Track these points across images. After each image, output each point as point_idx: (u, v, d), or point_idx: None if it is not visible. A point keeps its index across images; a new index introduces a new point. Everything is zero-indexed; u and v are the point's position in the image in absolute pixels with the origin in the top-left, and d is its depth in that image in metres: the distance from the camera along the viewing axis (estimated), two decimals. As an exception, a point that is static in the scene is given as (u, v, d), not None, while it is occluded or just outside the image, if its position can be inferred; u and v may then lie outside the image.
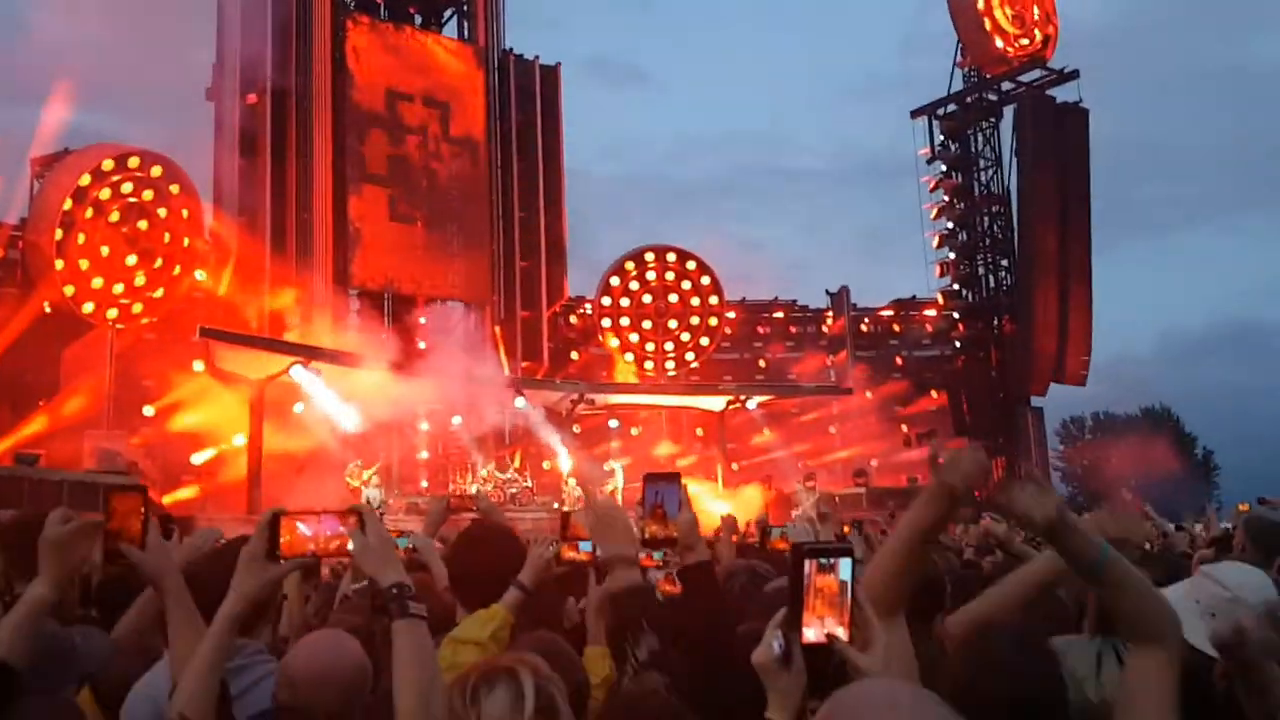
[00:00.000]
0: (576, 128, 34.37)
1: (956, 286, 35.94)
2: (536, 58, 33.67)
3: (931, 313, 36.12)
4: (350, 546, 2.24)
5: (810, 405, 32.06)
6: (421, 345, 28.72)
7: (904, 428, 31.70)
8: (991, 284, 36.49)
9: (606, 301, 33.47)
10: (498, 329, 31.35)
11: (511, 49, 33.29)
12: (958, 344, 35.91)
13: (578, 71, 41.03)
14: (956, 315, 35.79)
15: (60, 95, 24.48)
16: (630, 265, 33.80)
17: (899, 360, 35.18)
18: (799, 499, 23.03)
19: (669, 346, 33.54)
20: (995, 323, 36.24)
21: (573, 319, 34.06)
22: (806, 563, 1.73)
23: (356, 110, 29.74)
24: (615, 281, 33.65)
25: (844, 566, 1.74)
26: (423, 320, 29.97)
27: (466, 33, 32.83)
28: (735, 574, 4.21)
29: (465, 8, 32.93)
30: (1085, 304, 35.85)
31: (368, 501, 21.44)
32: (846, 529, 9.14)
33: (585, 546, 3.54)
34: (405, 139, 30.82)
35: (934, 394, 34.35)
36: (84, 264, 23.01)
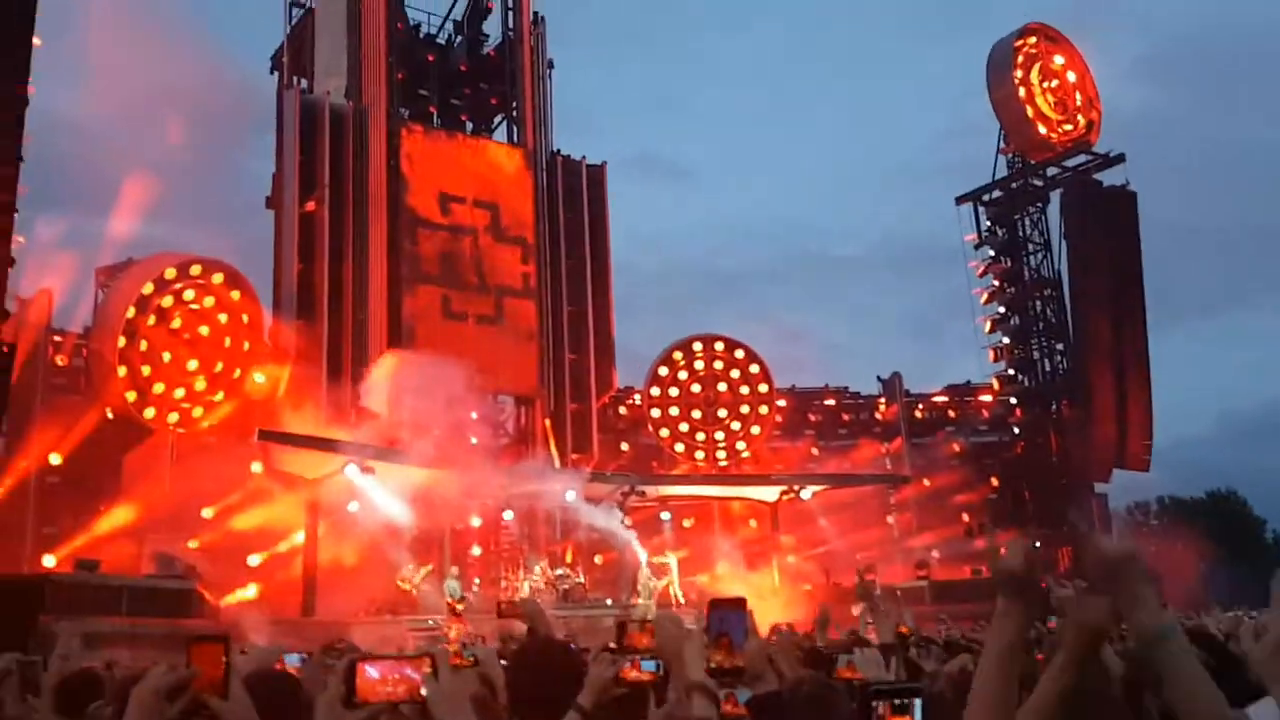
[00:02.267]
0: (622, 222, 34.92)
1: (1011, 371, 35.52)
2: (583, 158, 34.45)
3: (987, 398, 35.65)
4: (424, 692, 2.22)
5: (866, 495, 31.53)
6: (473, 440, 28.88)
7: (965, 517, 31.03)
8: (1047, 368, 36.00)
9: (655, 392, 33.51)
10: (548, 422, 31.48)
11: (559, 150, 34.11)
12: (1016, 430, 35.32)
13: (622, 169, 41.94)
14: (1013, 400, 35.29)
15: (126, 207, 25.43)
16: (678, 355, 33.89)
17: (956, 447, 34.62)
18: (859, 593, 22.46)
19: (719, 436, 33.37)
20: (1053, 408, 35.65)
21: (622, 410, 34.10)
22: (878, 704, 1.67)
23: (410, 213, 30.53)
24: (664, 371, 33.72)
25: (917, 708, 1.69)
26: (474, 415, 30.15)
27: (516, 136, 33.73)
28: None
29: (514, 113, 33.88)
30: (1144, 387, 35.20)
31: (449, 594, 21.34)
32: (904, 628, 8.80)
33: (648, 666, 3.41)
34: (457, 239, 31.50)
35: (994, 481, 33.69)
36: (146, 370, 23.59)
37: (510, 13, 33.86)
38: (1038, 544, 30.94)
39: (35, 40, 20.74)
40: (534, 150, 33.20)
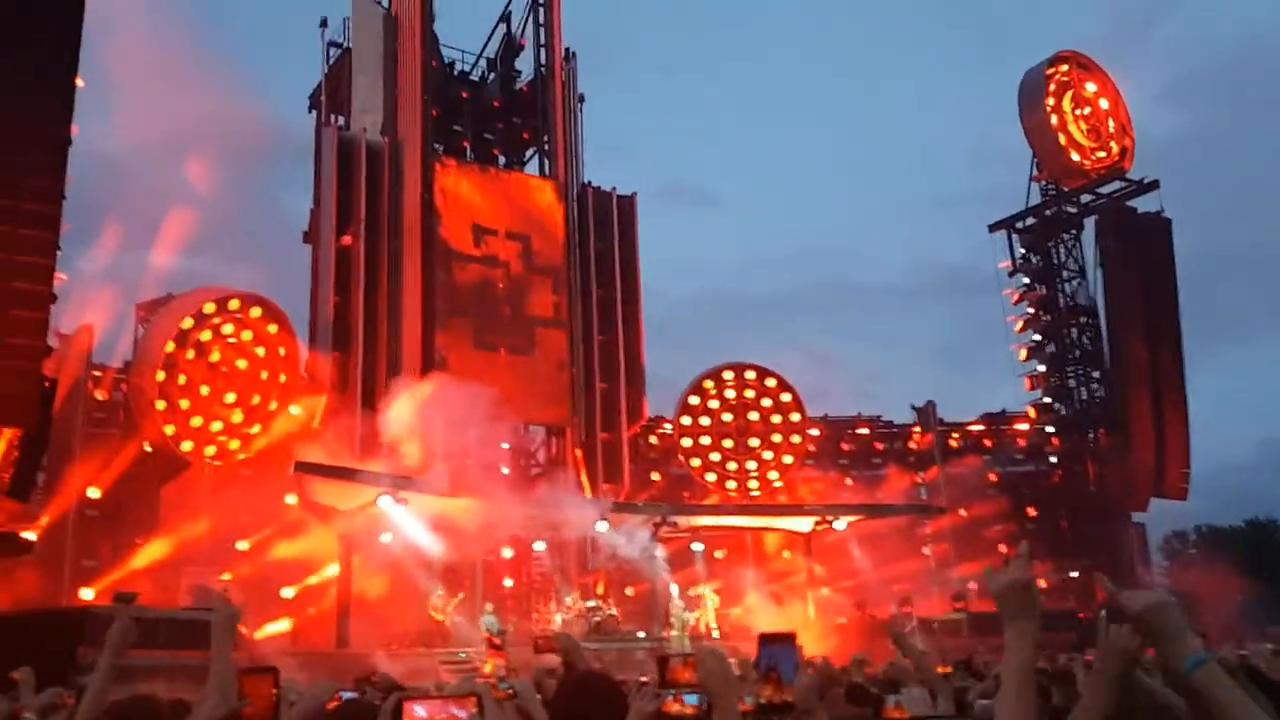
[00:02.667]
0: (652, 251, 35.04)
1: (1048, 400, 35.17)
2: (613, 189, 34.68)
3: (1023, 426, 35.29)
4: None
5: (901, 525, 31.19)
6: (505, 470, 28.99)
7: (1002, 548, 30.62)
8: (1084, 396, 35.63)
9: (686, 421, 33.43)
10: (579, 452, 31.50)
11: (589, 181, 34.39)
12: (1053, 459, 34.92)
13: (652, 198, 42.19)
14: (1050, 429, 34.91)
15: (166, 242, 25.89)
16: (709, 384, 33.82)
17: (992, 476, 34.25)
18: (896, 625, 22.19)
19: (751, 465, 33.20)
20: (1090, 436, 35.23)
21: (653, 439, 34.05)
22: None
23: (444, 246, 30.84)
24: (694, 400, 33.65)
25: None
26: (505, 445, 30.26)
27: (547, 169, 34.04)
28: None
29: (546, 146, 34.22)
30: (1181, 414, 34.75)
31: (486, 629, 21.39)
32: (946, 669, 8.63)
33: (691, 700, 3.37)
34: (489, 271, 31.76)
35: (1031, 511, 33.28)
36: (184, 404, 23.91)
37: (542, 49, 34.29)
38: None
39: (78, 81, 21.24)
40: (565, 182, 33.48)
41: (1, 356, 19.11)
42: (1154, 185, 35.59)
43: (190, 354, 24.18)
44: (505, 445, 30.35)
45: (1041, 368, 35.33)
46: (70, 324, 23.12)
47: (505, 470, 29.46)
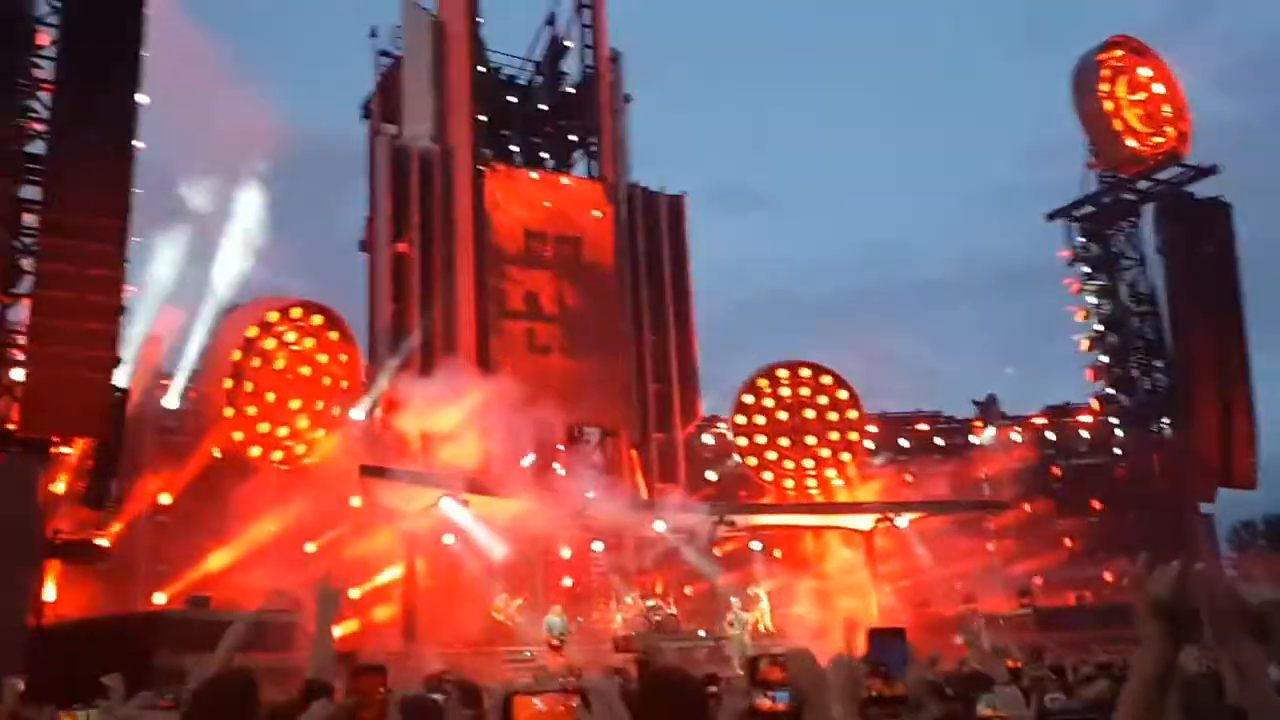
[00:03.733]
0: (703, 252, 35.01)
1: (1111, 391, 34.59)
2: (662, 189, 34.71)
3: (1087, 419, 34.73)
4: None
5: (965, 522, 30.80)
6: (561, 472, 29.15)
7: (1067, 542, 30.18)
8: (1147, 386, 34.98)
9: (741, 420, 33.30)
10: (634, 453, 31.56)
11: (638, 183, 34.44)
12: (1117, 451, 34.31)
13: (702, 200, 42.01)
14: (1114, 421, 34.32)
15: (229, 254, 26.39)
16: (763, 382, 33.65)
17: (1056, 470, 33.75)
18: (963, 623, 21.97)
19: (808, 464, 33.01)
20: (1155, 427, 34.57)
21: (708, 439, 34.01)
22: None
23: (495, 251, 31.11)
24: (749, 399, 33.50)
25: None
26: (560, 447, 30.43)
27: (595, 171, 34.17)
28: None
29: (593, 149, 34.36)
30: (1247, 403, 33.98)
31: (548, 629, 21.56)
32: (1015, 664, 8.52)
33: (781, 697, 3.40)
34: (541, 273, 31.96)
35: (1096, 504, 32.75)
36: (251, 410, 24.41)
37: (588, 50, 34.45)
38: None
39: (141, 97, 21.76)
40: (613, 184, 33.58)
41: (75, 368, 19.66)
42: (1212, 170, 34.89)
43: (256, 362, 24.68)
44: (561, 447, 30.52)
45: (1104, 358, 34.76)
46: (139, 334, 23.67)
47: (561, 471, 29.63)
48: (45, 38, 21.28)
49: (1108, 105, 35.32)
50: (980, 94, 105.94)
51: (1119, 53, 36.38)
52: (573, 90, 34.94)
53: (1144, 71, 36.62)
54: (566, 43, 35.08)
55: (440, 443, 25.41)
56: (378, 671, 2.66)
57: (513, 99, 34.37)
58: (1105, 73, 35.72)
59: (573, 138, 35.20)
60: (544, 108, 34.80)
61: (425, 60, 31.81)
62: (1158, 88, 36.60)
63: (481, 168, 31.32)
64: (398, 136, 31.16)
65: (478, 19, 32.41)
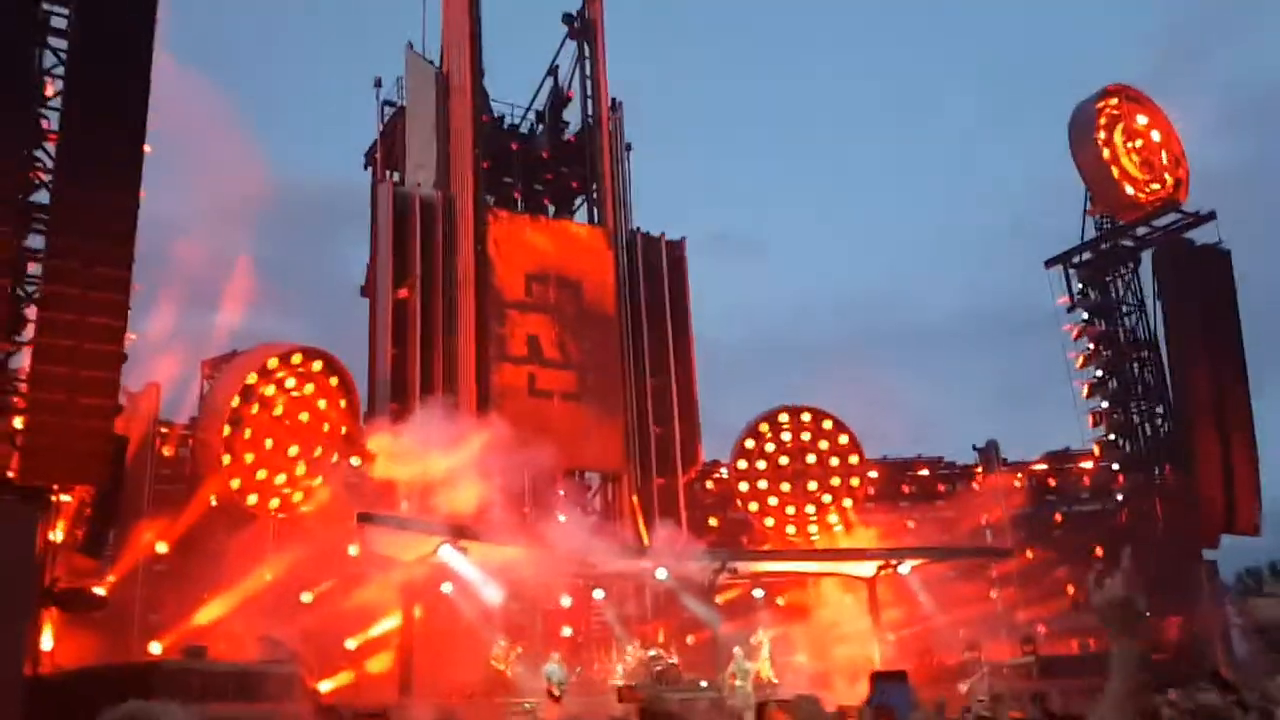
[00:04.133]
0: (703, 298, 35.14)
1: (1112, 436, 34.52)
2: (662, 234, 34.95)
3: (1088, 465, 34.63)
4: None
5: (967, 569, 30.59)
6: (561, 519, 28.97)
7: (1070, 589, 29.93)
8: (1148, 432, 34.90)
9: (742, 465, 33.24)
10: (635, 498, 31.46)
11: (639, 228, 34.69)
12: (1119, 497, 34.16)
13: (701, 246, 42.30)
14: (1115, 467, 34.21)
15: (231, 300, 26.52)
16: (764, 427, 33.63)
17: (1058, 517, 33.58)
18: (968, 670, 21.77)
19: (810, 509, 32.88)
20: (1157, 473, 34.44)
21: (709, 484, 33.90)
22: None
23: (497, 295, 31.26)
24: (750, 444, 33.47)
25: None
26: (561, 492, 30.32)
27: (596, 217, 34.42)
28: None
29: (594, 195, 34.66)
30: (1249, 448, 33.83)
31: (548, 678, 21.34)
32: (1018, 715, 8.46)
33: None
34: (542, 318, 32.09)
35: (1098, 551, 32.52)
36: (249, 457, 24.35)
37: (589, 100, 34.85)
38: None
39: (146, 148, 21.95)
40: (614, 229, 33.82)
41: (75, 416, 19.63)
42: (1210, 217, 35.00)
43: (255, 408, 24.66)
44: (561, 492, 30.41)
45: (1104, 404, 34.71)
46: (138, 382, 23.70)
47: (562, 518, 29.48)
48: (51, 89, 21.51)
49: (1105, 153, 35.58)
50: (978, 140, 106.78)
51: (1115, 101, 36.71)
52: (573, 138, 35.33)
53: (1141, 119, 36.93)
54: (568, 93, 35.51)
55: (438, 489, 25.32)
56: (377, 717, 2.62)
57: (515, 146, 34.75)
58: (1102, 121, 36.01)
59: (574, 184, 35.53)
60: (546, 155, 35.16)
61: (428, 110, 32.19)
62: (1155, 135, 36.89)
63: (484, 213, 31.55)
64: (400, 183, 31.47)
65: (481, 70, 32.83)
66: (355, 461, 26.37)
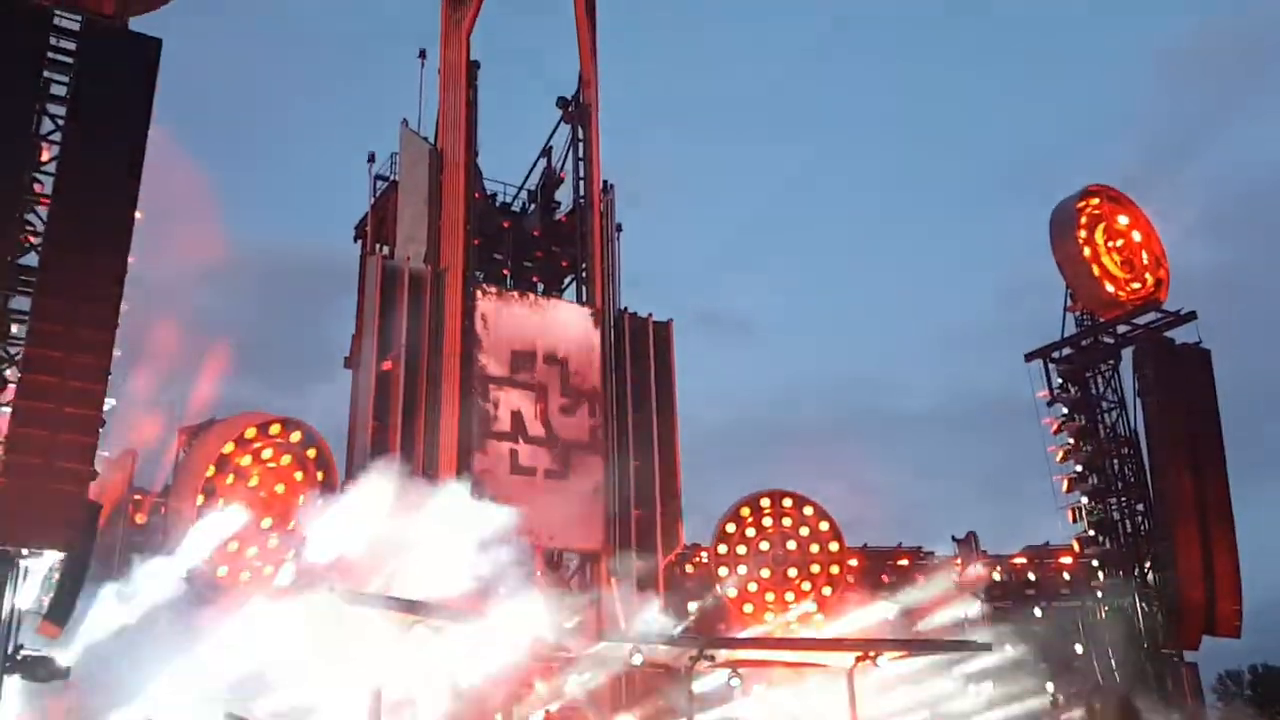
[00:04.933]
0: (688, 376, 35.23)
1: (1092, 533, 34.49)
2: (649, 315, 35.15)
3: (1067, 560, 34.52)
4: None
5: (946, 661, 30.19)
6: (539, 598, 28.57)
7: (1049, 686, 29.60)
8: (1128, 529, 34.91)
9: (723, 550, 33.04)
10: (613, 579, 31.11)
11: (626, 308, 34.91)
12: (1099, 594, 34.01)
13: (687, 326, 42.48)
14: (1095, 563, 34.11)
15: (211, 369, 26.39)
16: (746, 511, 33.53)
17: (1037, 611, 33.33)
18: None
19: (789, 596, 32.59)
20: (1136, 571, 34.36)
21: (689, 568, 33.59)
22: None
23: (482, 371, 31.28)
24: (731, 529, 33.33)
25: None
26: (537, 572, 29.98)
27: (585, 296, 34.66)
28: None
29: (584, 274, 34.94)
30: (1230, 548, 33.87)
31: None
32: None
33: None
34: (526, 395, 32.05)
35: (1077, 648, 32.27)
36: (223, 529, 23.98)
37: (581, 181, 35.35)
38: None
39: (137, 214, 22.08)
40: (602, 309, 34.02)
41: (49, 480, 19.35)
42: (1191, 316, 35.57)
43: (230, 479, 24.43)
44: (538, 572, 30.06)
45: (1084, 499, 34.78)
46: (114, 447, 23.44)
47: (539, 597, 29.08)
48: (46, 153, 21.70)
49: (1086, 251, 36.23)
50: (961, 233, 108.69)
51: (1096, 200, 37.50)
52: (564, 218, 35.75)
53: (1122, 219, 37.68)
54: (561, 174, 36.03)
55: (413, 567, 24.95)
56: None
57: (506, 224, 35.13)
58: (1083, 220, 36.74)
59: (564, 263, 35.84)
60: (537, 234, 35.53)
61: (421, 184, 32.58)
62: (1135, 235, 37.61)
63: (472, 289, 31.72)
64: (389, 256, 31.66)
65: (475, 148, 33.32)
66: (331, 535, 26.03)
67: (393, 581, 24.15)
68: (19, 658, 19.87)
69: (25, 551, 20.26)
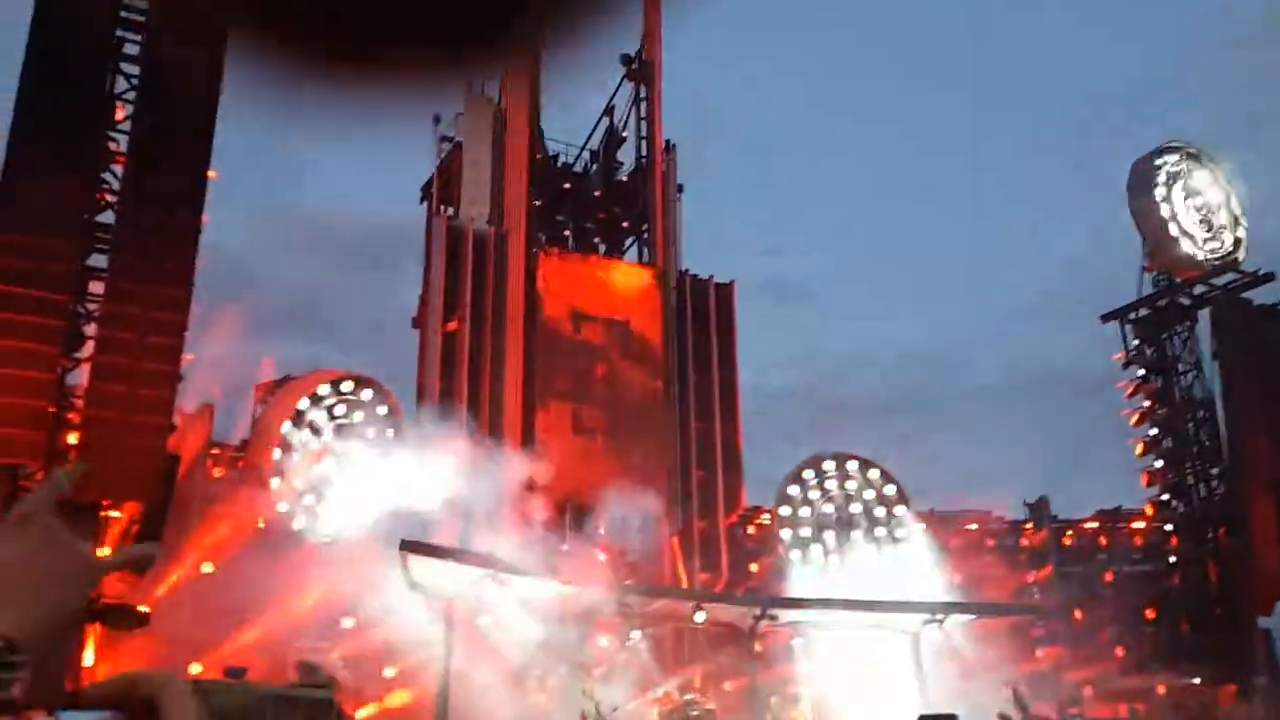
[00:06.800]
0: (749, 342, 34.97)
1: (1166, 497, 33.77)
2: (711, 277, 34.93)
3: (1140, 525, 33.86)
4: None
5: (1012, 625, 29.85)
6: (601, 557, 28.82)
7: (1119, 652, 29.15)
8: (1203, 493, 34.10)
9: (786, 511, 32.83)
10: (675, 540, 31.17)
11: (688, 270, 34.72)
12: (1172, 559, 33.34)
13: (750, 290, 42.23)
14: (1169, 528, 33.42)
15: (286, 328, 26.85)
16: (809, 474, 33.25)
17: (1108, 576, 32.80)
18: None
19: (853, 558, 32.35)
20: (1210, 536, 33.60)
21: (750, 529, 33.51)
22: None
23: (544, 332, 31.40)
24: (794, 491, 33.09)
25: None
26: (601, 531, 30.16)
27: (646, 257, 34.54)
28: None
29: (645, 236, 34.81)
30: (1308, 514, 32.91)
31: (583, 715, 21.07)
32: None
33: None
34: (589, 357, 32.14)
35: (1149, 614, 31.71)
36: (297, 481, 24.51)
37: (643, 141, 35.13)
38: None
39: (211, 173, 22.47)
40: (664, 270, 33.89)
41: (129, 434, 19.94)
42: (1269, 277, 34.51)
43: (304, 433, 24.89)
44: (601, 531, 30.26)
45: (1159, 463, 34.03)
46: (192, 403, 24.01)
47: (601, 557, 29.32)
48: (121, 113, 22.11)
49: (1163, 209, 35.23)
50: (1034, 197, 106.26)
51: (1175, 157, 36.40)
52: (626, 179, 35.58)
53: (1201, 177, 36.56)
54: (623, 134, 35.85)
55: (482, 520, 25.26)
56: None
57: (568, 185, 35.08)
58: (1161, 177, 35.72)
59: (625, 224, 35.73)
60: (598, 195, 35.42)
61: (485, 146, 32.62)
62: (1214, 194, 36.48)
63: (535, 250, 31.79)
64: (454, 218, 31.82)
65: (538, 108, 33.26)
66: (401, 489, 26.43)
67: (460, 535, 24.48)
68: (100, 606, 20.46)
69: (106, 503, 20.89)
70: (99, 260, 21.51)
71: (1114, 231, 36.64)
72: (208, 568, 23.51)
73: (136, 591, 21.49)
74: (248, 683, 19.47)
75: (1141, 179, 35.86)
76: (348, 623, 23.11)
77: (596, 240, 35.85)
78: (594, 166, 36.15)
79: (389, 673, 23.25)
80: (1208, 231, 35.80)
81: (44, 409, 20.23)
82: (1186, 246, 35.17)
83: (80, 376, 21.23)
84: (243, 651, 21.63)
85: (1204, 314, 35.38)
